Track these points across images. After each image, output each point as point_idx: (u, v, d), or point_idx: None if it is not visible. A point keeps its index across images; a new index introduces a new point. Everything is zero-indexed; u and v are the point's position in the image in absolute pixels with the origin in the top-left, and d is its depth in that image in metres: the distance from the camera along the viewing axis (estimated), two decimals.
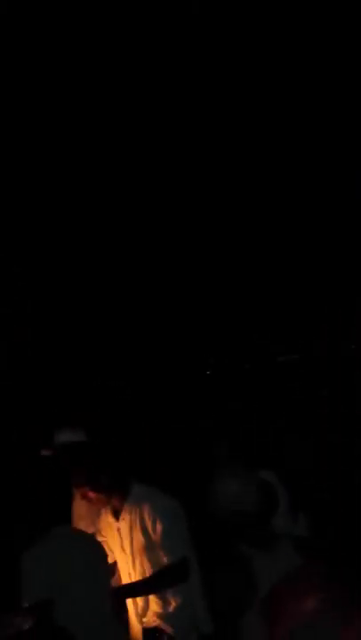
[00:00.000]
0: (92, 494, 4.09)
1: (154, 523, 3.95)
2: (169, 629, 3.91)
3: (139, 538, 4.02)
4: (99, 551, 3.60)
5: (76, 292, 9.01)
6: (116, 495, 4.08)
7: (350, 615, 2.22)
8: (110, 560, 4.10)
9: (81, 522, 4.37)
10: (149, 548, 3.98)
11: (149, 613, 3.99)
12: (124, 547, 4.10)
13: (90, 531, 4.22)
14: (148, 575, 3.97)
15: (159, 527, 3.94)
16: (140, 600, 4.05)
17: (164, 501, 3.99)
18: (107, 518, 4.20)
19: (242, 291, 9.02)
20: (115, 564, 4.18)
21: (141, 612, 4.03)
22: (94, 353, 9.21)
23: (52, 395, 8.78)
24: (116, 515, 4.14)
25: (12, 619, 3.14)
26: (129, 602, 4.08)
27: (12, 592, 3.29)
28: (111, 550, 4.17)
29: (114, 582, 4.06)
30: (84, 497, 4.16)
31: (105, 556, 3.68)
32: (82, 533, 3.75)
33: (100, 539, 4.14)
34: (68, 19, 6.96)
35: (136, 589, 4.02)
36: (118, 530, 4.12)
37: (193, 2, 7.22)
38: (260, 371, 8.92)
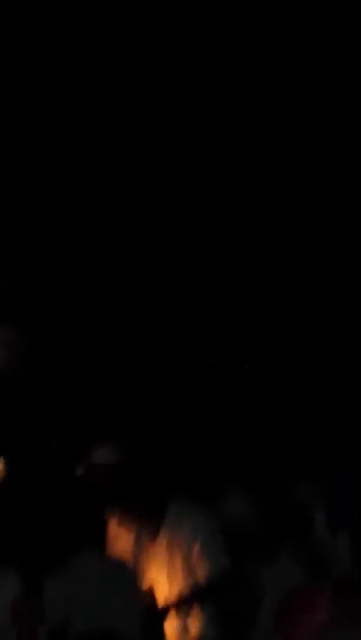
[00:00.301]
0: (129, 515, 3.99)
1: (193, 541, 3.87)
2: None
3: (178, 557, 3.94)
4: (123, 578, 3.50)
5: (77, 292, 9.01)
6: (153, 515, 3.98)
7: None
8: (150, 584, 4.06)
9: (118, 542, 4.25)
10: (188, 565, 3.90)
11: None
12: (165, 571, 4.07)
13: (125, 549, 4.09)
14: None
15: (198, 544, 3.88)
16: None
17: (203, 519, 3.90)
18: (146, 537, 4.14)
19: (242, 291, 9.01)
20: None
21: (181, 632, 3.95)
22: (94, 353, 9.20)
23: (52, 394, 8.77)
24: (155, 532, 4.10)
25: None
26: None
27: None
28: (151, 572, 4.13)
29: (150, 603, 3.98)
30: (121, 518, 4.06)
31: (130, 581, 3.57)
32: (108, 560, 3.63)
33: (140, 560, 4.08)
34: (68, 18, 6.97)
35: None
36: (156, 554, 4.09)
37: (193, 2, 7.22)
38: (261, 371, 8.90)
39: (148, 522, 4.11)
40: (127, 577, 3.63)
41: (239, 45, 7.35)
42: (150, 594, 3.92)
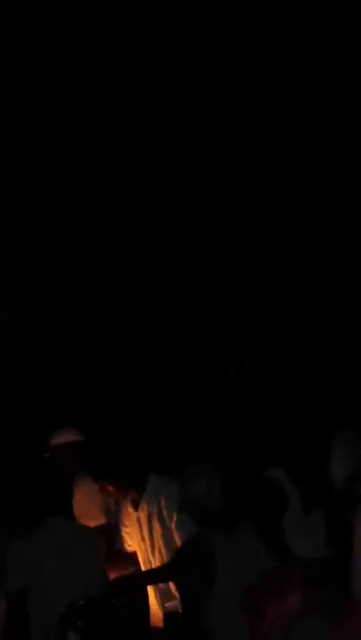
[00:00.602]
0: (110, 487, 4.26)
1: (170, 511, 4.08)
2: None
3: (157, 527, 4.14)
4: (84, 541, 3.63)
5: (76, 293, 9.01)
6: (134, 487, 4.24)
7: (336, 615, 2.26)
8: (130, 549, 4.37)
9: (83, 517, 4.48)
10: (167, 536, 4.15)
11: (170, 598, 4.11)
12: (143, 536, 4.32)
13: (91, 524, 4.32)
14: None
15: (175, 515, 4.09)
16: (161, 585, 4.16)
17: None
18: (127, 509, 4.44)
19: (242, 291, 9.01)
20: (134, 553, 4.38)
21: (162, 597, 4.14)
22: (94, 353, 9.21)
23: (52, 394, 8.78)
24: (135, 505, 4.33)
25: None
26: (150, 588, 4.19)
27: None
28: (131, 540, 4.40)
29: (133, 570, 4.19)
30: (103, 490, 4.31)
31: (93, 545, 3.72)
32: (72, 524, 3.79)
33: (123, 530, 4.41)
34: (68, 18, 6.96)
35: (155, 576, 4.19)
36: (138, 520, 4.33)
37: (193, 2, 7.21)
38: (261, 371, 8.90)
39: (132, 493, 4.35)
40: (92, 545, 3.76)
41: (239, 45, 7.35)
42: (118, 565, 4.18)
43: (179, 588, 3.75)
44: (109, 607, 3.58)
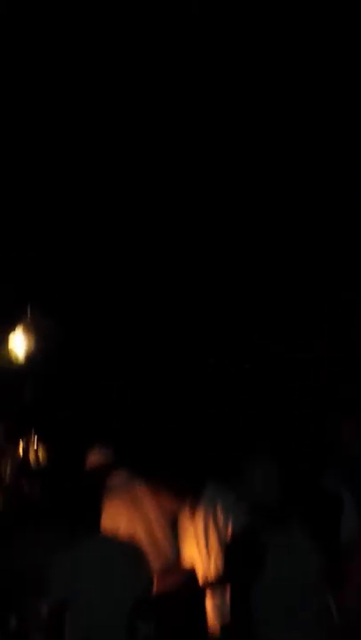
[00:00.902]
0: (165, 496, 4.23)
1: (226, 518, 4.10)
2: None
3: (214, 535, 4.18)
4: (125, 556, 3.57)
5: (77, 293, 9.01)
6: (190, 496, 4.28)
7: None
8: (188, 561, 4.28)
9: (121, 529, 4.40)
10: (224, 543, 4.08)
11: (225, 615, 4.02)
12: (200, 545, 4.28)
13: (130, 531, 4.32)
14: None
15: (231, 517, 4.11)
16: (217, 602, 4.15)
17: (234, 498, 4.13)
18: (184, 519, 4.38)
19: (242, 291, 9.01)
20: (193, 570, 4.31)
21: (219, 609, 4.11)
22: (94, 353, 9.20)
23: (52, 395, 8.77)
24: (192, 514, 4.30)
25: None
26: (208, 603, 4.21)
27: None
28: (189, 549, 4.34)
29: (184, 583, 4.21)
30: (156, 500, 4.45)
31: (135, 561, 3.66)
32: (112, 538, 3.72)
33: (181, 541, 4.35)
34: (68, 18, 6.97)
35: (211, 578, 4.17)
36: (195, 529, 4.28)
37: (193, 2, 7.22)
38: (261, 371, 8.90)
39: (185, 503, 4.37)
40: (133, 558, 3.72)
41: (239, 45, 7.36)
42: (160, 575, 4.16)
43: (228, 578, 3.72)
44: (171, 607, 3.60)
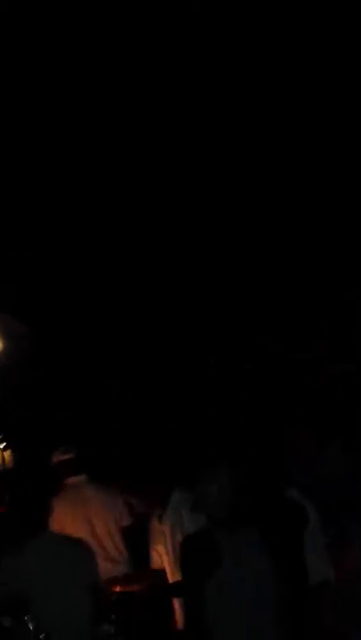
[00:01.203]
0: (133, 501, 4.32)
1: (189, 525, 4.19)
2: None
3: (180, 539, 4.14)
4: (77, 557, 3.60)
5: (77, 293, 9.02)
6: (159, 502, 4.41)
7: None
8: (157, 564, 4.45)
9: (66, 529, 4.44)
10: None
11: None
12: (167, 549, 4.40)
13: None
14: None
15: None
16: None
17: None
18: (154, 523, 4.50)
19: (242, 291, 9.02)
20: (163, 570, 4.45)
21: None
22: (94, 353, 9.21)
23: (53, 395, 8.78)
24: (160, 519, 4.44)
25: None
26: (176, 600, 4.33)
27: None
28: (158, 553, 4.47)
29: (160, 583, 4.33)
30: (127, 504, 4.64)
31: (86, 560, 3.69)
32: (63, 539, 3.74)
33: (151, 545, 4.49)
34: (68, 18, 6.97)
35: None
36: (164, 533, 4.41)
37: (193, 2, 7.22)
38: (261, 371, 8.91)
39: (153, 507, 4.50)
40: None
41: (239, 45, 7.36)
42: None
43: (182, 576, 3.78)
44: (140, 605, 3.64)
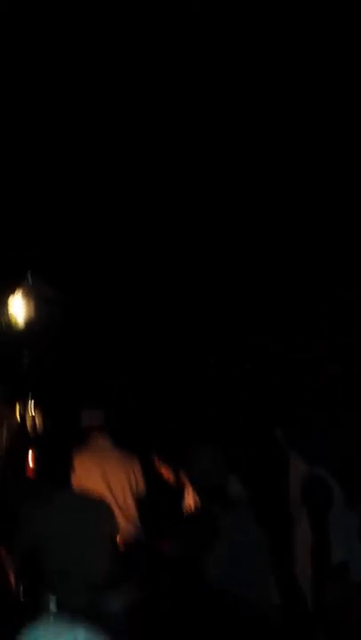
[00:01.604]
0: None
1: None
2: None
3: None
4: (96, 512, 3.70)
5: (77, 293, 9.02)
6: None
7: None
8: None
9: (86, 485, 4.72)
10: None
11: None
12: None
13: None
14: None
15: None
16: None
17: None
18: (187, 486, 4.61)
19: (242, 291, 9.02)
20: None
21: None
22: (94, 353, 9.21)
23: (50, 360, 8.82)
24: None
25: None
26: None
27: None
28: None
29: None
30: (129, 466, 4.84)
31: (104, 515, 3.79)
32: (83, 495, 3.85)
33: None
34: (68, 17, 6.98)
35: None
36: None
37: (193, 2, 7.23)
38: (261, 371, 8.91)
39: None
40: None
41: (239, 45, 7.37)
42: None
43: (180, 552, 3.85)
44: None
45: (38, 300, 7.83)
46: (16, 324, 7.82)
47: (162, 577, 3.47)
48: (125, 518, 4.78)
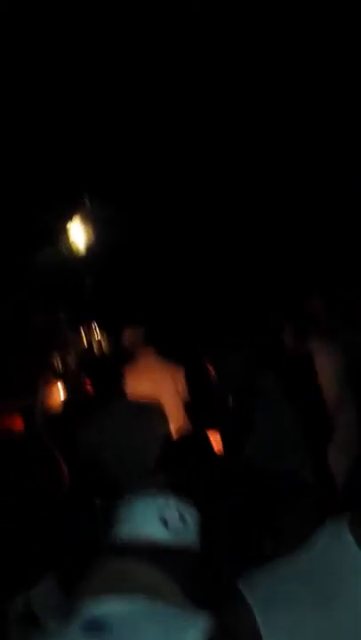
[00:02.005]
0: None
1: None
2: None
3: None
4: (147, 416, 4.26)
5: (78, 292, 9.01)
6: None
7: None
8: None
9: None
10: None
11: None
12: None
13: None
14: None
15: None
16: None
17: None
18: None
19: (242, 291, 9.02)
20: None
21: None
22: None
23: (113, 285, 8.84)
24: None
25: None
26: None
27: None
28: None
29: None
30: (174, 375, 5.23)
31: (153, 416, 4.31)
32: (135, 402, 4.46)
33: None
34: (69, 17, 7.00)
35: None
36: None
37: (193, 2, 7.25)
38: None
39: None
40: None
41: (239, 46, 7.38)
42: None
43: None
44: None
45: (96, 223, 7.81)
46: (76, 249, 7.84)
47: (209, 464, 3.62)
48: (175, 418, 5.02)
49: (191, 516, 1.85)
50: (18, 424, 3.82)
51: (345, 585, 1.77)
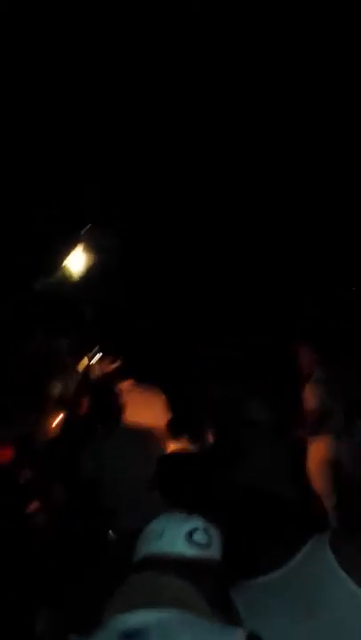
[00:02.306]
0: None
1: None
2: None
3: None
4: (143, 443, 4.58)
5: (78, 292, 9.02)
6: None
7: None
8: None
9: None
10: None
11: None
12: None
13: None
14: None
15: None
16: None
17: None
18: None
19: (242, 291, 9.04)
20: None
21: None
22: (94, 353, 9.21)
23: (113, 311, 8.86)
24: None
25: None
26: None
27: None
28: None
29: None
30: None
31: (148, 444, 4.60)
32: (131, 430, 4.77)
33: None
34: (67, 17, 6.99)
35: None
36: None
37: (193, 2, 7.25)
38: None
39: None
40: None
41: (239, 45, 7.38)
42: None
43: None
44: None
45: (97, 249, 7.87)
46: (76, 274, 7.89)
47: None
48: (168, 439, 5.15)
49: (215, 533, 1.93)
50: (9, 453, 3.95)
51: (325, 595, 1.84)
